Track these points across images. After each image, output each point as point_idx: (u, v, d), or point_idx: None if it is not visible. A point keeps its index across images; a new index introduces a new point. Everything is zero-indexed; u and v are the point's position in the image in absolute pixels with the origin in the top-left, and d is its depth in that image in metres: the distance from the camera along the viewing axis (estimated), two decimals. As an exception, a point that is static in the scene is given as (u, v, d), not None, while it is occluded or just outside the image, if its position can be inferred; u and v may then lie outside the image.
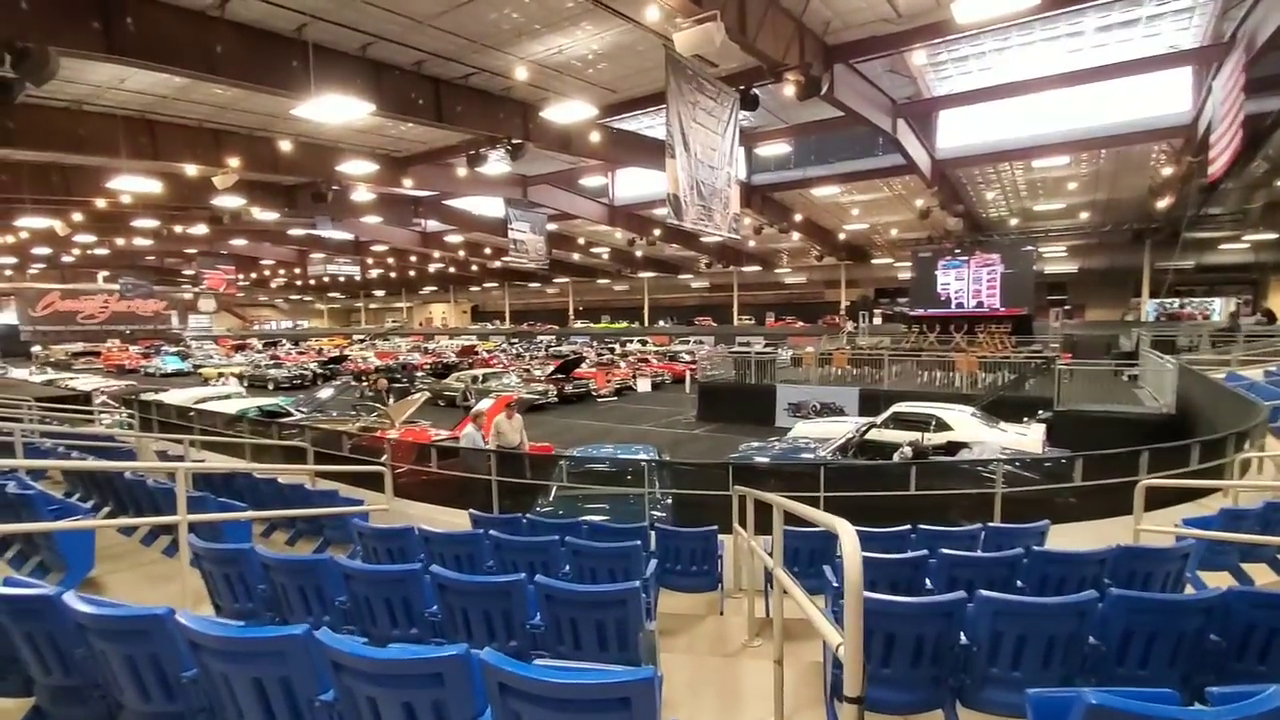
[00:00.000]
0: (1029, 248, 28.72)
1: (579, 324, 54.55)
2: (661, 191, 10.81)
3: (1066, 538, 5.31)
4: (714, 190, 11.90)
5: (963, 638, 2.69)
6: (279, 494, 6.17)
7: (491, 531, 4.13)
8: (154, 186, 17.13)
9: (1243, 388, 11.40)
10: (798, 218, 27.92)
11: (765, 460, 10.52)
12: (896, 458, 9.95)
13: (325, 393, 16.93)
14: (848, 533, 1.93)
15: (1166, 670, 2.72)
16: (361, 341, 53.37)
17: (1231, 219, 25.63)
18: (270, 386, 28.45)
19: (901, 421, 12.10)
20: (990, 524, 5.24)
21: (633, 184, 26.03)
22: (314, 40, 10.59)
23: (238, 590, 3.25)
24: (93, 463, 5.88)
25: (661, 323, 51.08)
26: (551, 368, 25.69)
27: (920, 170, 19.35)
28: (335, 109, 11.18)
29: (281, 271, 49.05)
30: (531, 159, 18.30)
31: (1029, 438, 11.41)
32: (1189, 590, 4.15)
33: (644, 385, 26.56)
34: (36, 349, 45.78)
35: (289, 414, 14.12)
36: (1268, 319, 27.67)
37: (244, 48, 10.13)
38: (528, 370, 27.51)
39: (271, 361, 34.45)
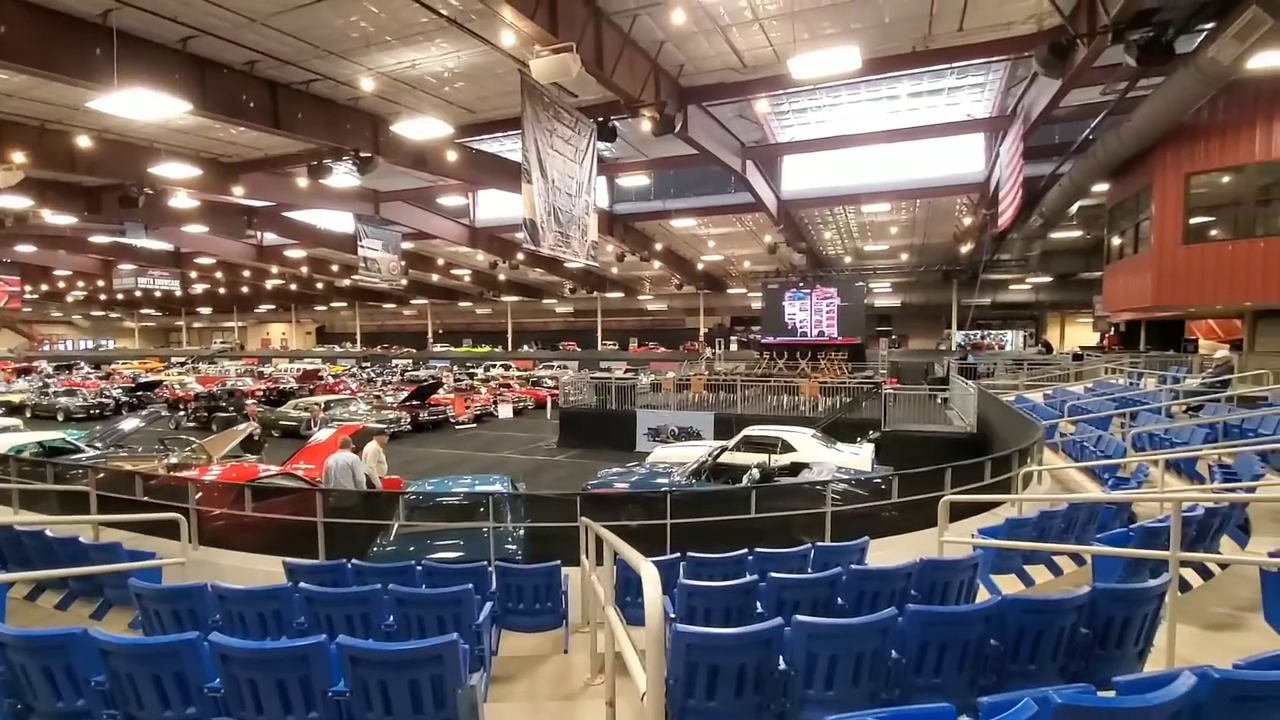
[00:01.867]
0: (861, 283, 31.90)
1: (439, 347, 52.29)
2: (522, 215, 10.68)
3: (886, 552, 5.75)
4: (572, 217, 11.94)
5: (781, 663, 2.77)
6: (46, 549, 5.17)
7: (302, 584, 3.70)
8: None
9: (1026, 409, 13.23)
10: (658, 247, 28.87)
11: (623, 487, 10.55)
12: (745, 479, 10.38)
13: (128, 424, 14.70)
14: (650, 577, 1.89)
15: (956, 676, 2.97)
16: (182, 364, 47.35)
17: (1017, 264, 30.11)
18: (60, 417, 24.33)
19: (751, 444, 12.68)
20: (820, 543, 5.56)
21: (495, 206, 25.58)
22: (122, 27, 9.36)
23: (-49, 680, 2.62)
24: None
25: (525, 347, 50.33)
26: (406, 393, 24.28)
27: (767, 209, 20.79)
28: (146, 105, 9.92)
29: (81, 284, 42.36)
30: (385, 174, 17.39)
31: (860, 457, 12.41)
32: (982, 595, 4.62)
33: (505, 411, 25.85)
34: None
35: (78, 450, 12.08)
36: (1046, 349, 32.61)
37: (35, 30, 8.80)
38: (379, 396, 25.77)
39: (63, 388, 29.49)
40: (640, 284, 41.36)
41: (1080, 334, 35.93)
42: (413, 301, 49.29)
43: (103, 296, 47.54)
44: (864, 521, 7.43)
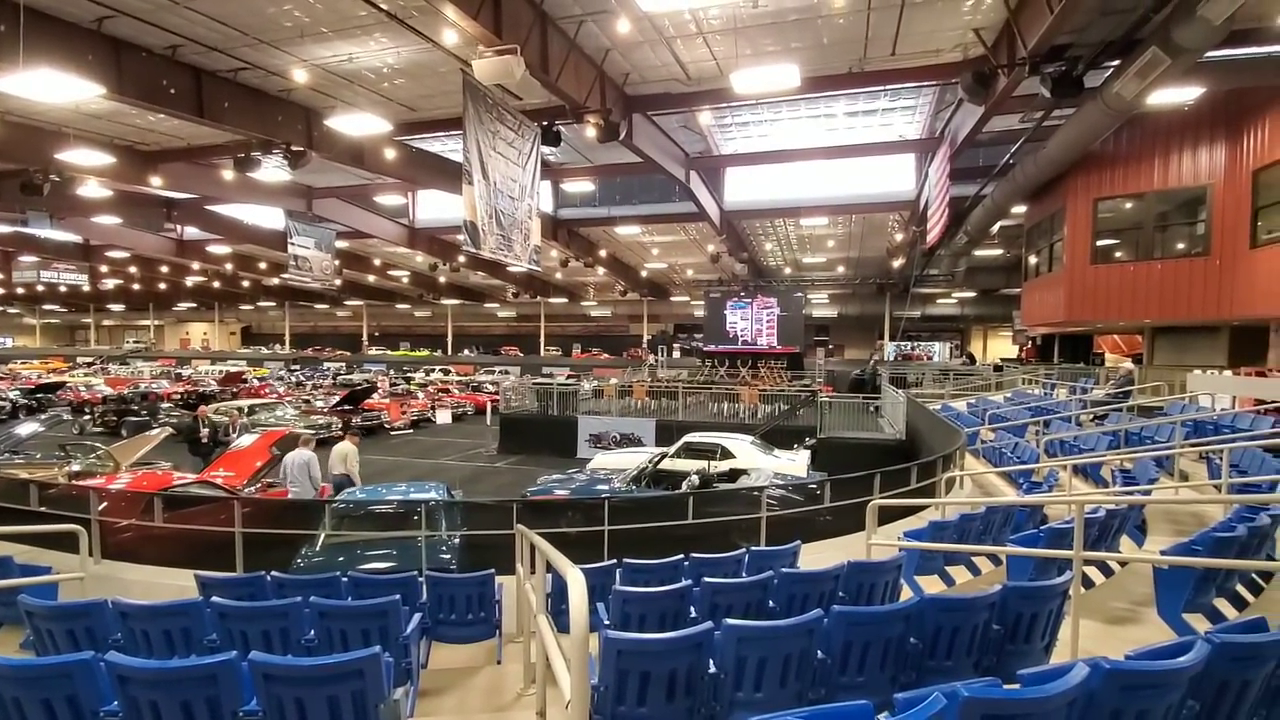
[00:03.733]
0: (799, 294, 32.79)
1: (375, 350, 50.62)
2: (463, 217, 10.48)
3: (818, 555, 5.91)
4: (514, 221, 11.81)
5: (711, 666, 2.80)
6: (-81, 566, 4.71)
7: (215, 598, 3.50)
8: None
9: (951, 417, 13.86)
10: (603, 253, 28.87)
11: (564, 494, 10.45)
12: (685, 486, 10.46)
13: (26, 429, 13.58)
14: (576, 583, 1.88)
15: (879, 674, 3.06)
16: (90, 365, 44.16)
17: (944, 279, 31.61)
18: (-55, 421, 22.24)
19: (691, 450, 12.80)
20: (754, 547, 5.66)
21: (435, 206, 25.02)
22: (29, 3, 8.69)
23: None
24: None
25: (466, 351, 49.35)
26: (338, 398, 23.39)
27: (710, 218, 21.12)
28: (54, 86, 9.18)
29: (-26, 276, 39.04)
30: (318, 169, 16.77)
31: (797, 463, 12.71)
32: (905, 595, 4.80)
33: (444, 417, 25.25)
34: None
35: (-35, 457, 11.08)
36: (970, 361, 34.30)
37: (-79, -3, 8.02)
38: (308, 401, 24.73)
39: (-50, 389, 27.01)
40: (584, 290, 41.26)
41: (1001, 346, 38.03)
42: (347, 303, 47.60)
43: (0, 290, 43.90)
44: (799, 526, 7.61)
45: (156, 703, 2.41)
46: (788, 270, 33.96)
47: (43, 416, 17.51)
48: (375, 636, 3.49)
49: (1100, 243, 14.47)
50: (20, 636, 4.42)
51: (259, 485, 9.88)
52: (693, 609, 3.72)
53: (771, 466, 12.00)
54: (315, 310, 51.42)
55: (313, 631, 3.53)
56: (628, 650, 2.56)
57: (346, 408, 21.80)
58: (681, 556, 4.83)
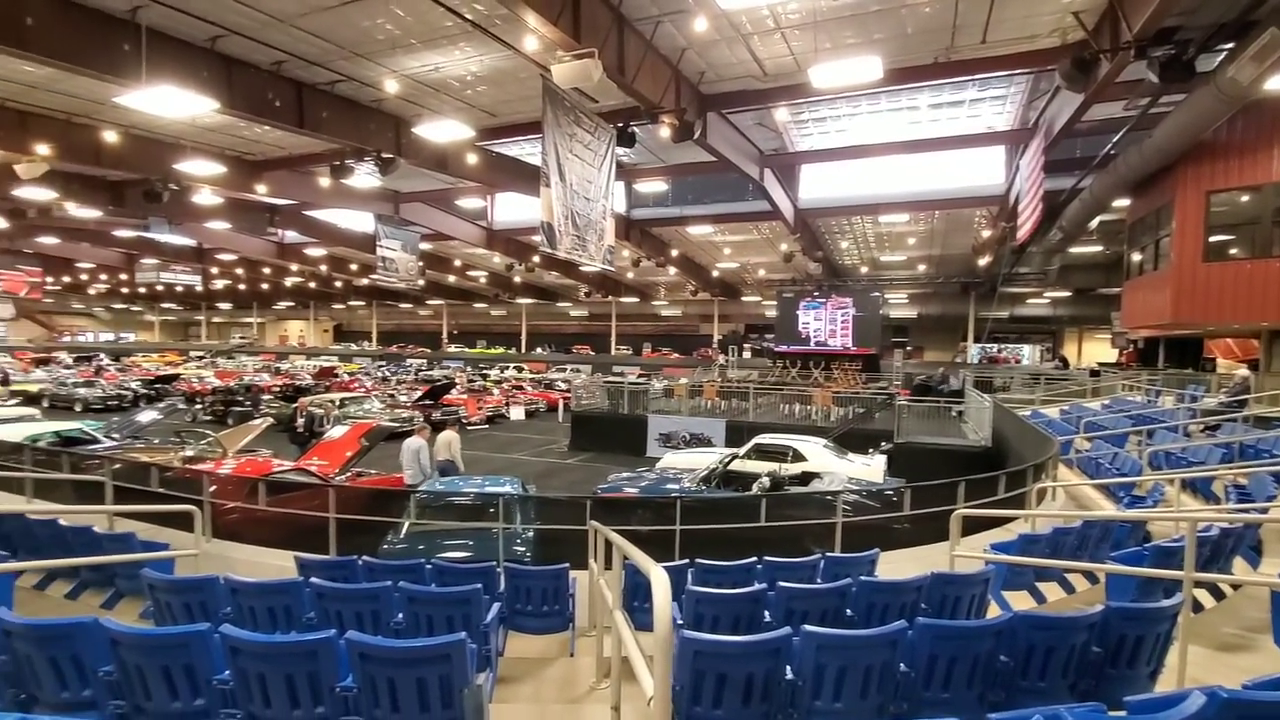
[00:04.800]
0: (877, 294, 31.70)
1: (453, 348, 52.57)
2: (540, 218, 10.75)
3: (897, 565, 5.71)
4: (589, 221, 11.99)
5: (789, 673, 2.75)
6: (59, 539, 5.25)
7: (313, 579, 3.73)
8: (-67, 169, 14.58)
9: (1042, 424, 13.07)
10: (674, 253, 28.89)
11: (633, 492, 10.54)
12: (755, 488, 10.34)
13: (145, 416, 14.90)
14: (659, 582, 1.88)
15: (966, 691, 2.93)
16: (201, 359, 47.96)
17: (1036, 278, 29.79)
18: (78, 408, 24.68)
19: (762, 452, 12.63)
20: (830, 553, 5.52)
21: (513, 208, 25.73)
22: (151, 25, 9.55)
23: (-35, 664, 2.67)
24: None
25: (539, 349, 50.48)
26: (419, 393, 24.42)
27: (784, 217, 20.75)
28: (173, 102, 10.07)
29: (104, 276, 43.17)
30: (405, 175, 17.56)
31: (873, 468, 12.31)
32: (993, 610, 4.57)
33: (518, 413, 25.92)
34: None
35: (95, 440, 12.25)
36: (1063, 365, 32.22)
37: (63, 24, 8.93)
38: (393, 395, 25.95)
39: (82, 379, 29.96)
40: (655, 289, 41.40)
41: (1098, 350, 35.50)
42: (429, 302, 49.67)
43: (124, 290, 48.41)
44: (874, 533, 7.38)
45: (263, 674, 2.60)
46: (864, 269, 32.90)
47: (160, 405, 19.17)
48: (458, 623, 3.63)
49: (1213, 239, 13.25)
50: (140, 607, 4.86)
51: (349, 474, 10.44)
52: (767, 613, 3.67)
53: (845, 471, 11.68)
54: (400, 309, 53.91)
55: (401, 615, 3.70)
56: (705, 651, 2.55)
57: (427, 402, 22.73)
58: (755, 559, 4.77)
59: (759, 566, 4.74)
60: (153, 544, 5.62)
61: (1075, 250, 24.07)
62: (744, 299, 40.83)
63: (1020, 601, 5.31)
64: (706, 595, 3.61)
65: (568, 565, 4.84)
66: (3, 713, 1.86)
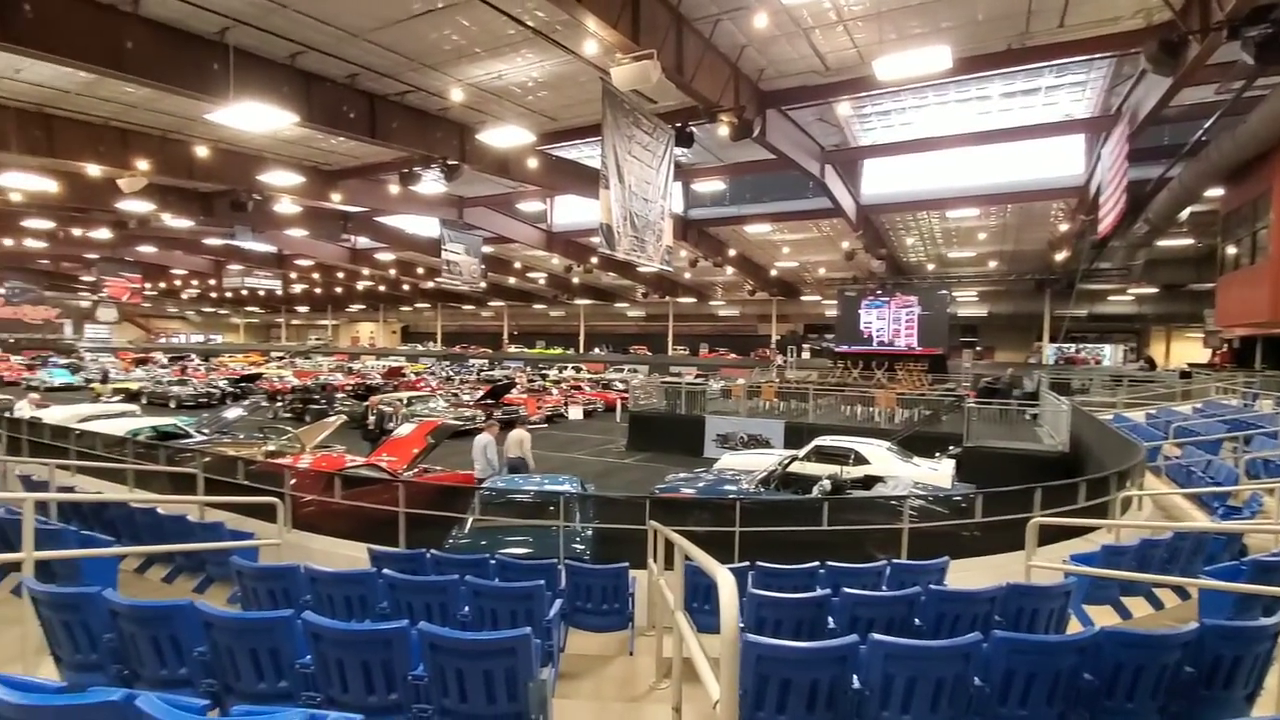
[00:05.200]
0: (944, 292, 30.53)
1: (513, 348, 53.75)
2: (599, 219, 10.85)
3: (967, 574, 5.48)
4: (647, 222, 12.03)
5: (855, 682, 2.69)
6: (157, 526, 5.66)
7: (386, 571, 3.89)
8: (49, 185, 15.92)
9: (1126, 429, 12.30)
10: (732, 252, 28.66)
11: (690, 493, 10.51)
12: (816, 491, 10.14)
13: (232, 413, 15.87)
14: (726, 584, 1.87)
15: (1045, 709, 2.79)
16: (280, 359, 50.68)
17: (1118, 274, 28.06)
18: (172, 404, 26.48)
19: (822, 455, 12.36)
20: (896, 560, 5.36)
21: (571, 211, 26.09)
22: (237, 45, 10.16)
23: (80, 640, 2.90)
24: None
25: (597, 350, 50.99)
26: (481, 392, 25.08)
27: (846, 214, 20.27)
28: (258, 117, 10.71)
29: (194, 282, 46.24)
30: (468, 180, 18.06)
31: (940, 472, 11.87)
32: (1073, 625, 4.33)
33: (576, 413, 26.27)
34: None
35: (188, 435, 13.13)
36: (1149, 366, 30.22)
37: (158, 46, 9.61)
38: (456, 394, 26.74)
39: (175, 378, 32.14)
40: (712, 289, 41.17)
41: (1188, 350, 33.14)
42: (490, 303, 50.95)
43: (213, 294, 51.72)
44: (942, 540, 7.11)
45: (342, 660, 2.73)
46: (931, 266, 31.75)
47: (245, 403, 20.38)
48: (521, 618, 3.71)
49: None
50: (228, 591, 5.18)
51: (416, 470, 10.82)
52: (831, 620, 3.60)
53: (911, 475, 11.30)
54: (463, 311, 55.50)
55: (467, 608, 3.81)
56: (768, 656, 2.53)
57: (489, 401, 23.31)
58: (817, 564, 4.68)
59: (822, 572, 4.65)
60: (239, 533, 5.98)
61: (1163, 244, 22.54)
62: (803, 298, 40.10)
63: (1103, 617, 5.02)
64: (769, 599, 3.56)
65: (627, 565, 4.87)
66: (109, 687, 2.03)
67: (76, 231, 25.97)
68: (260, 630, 2.79)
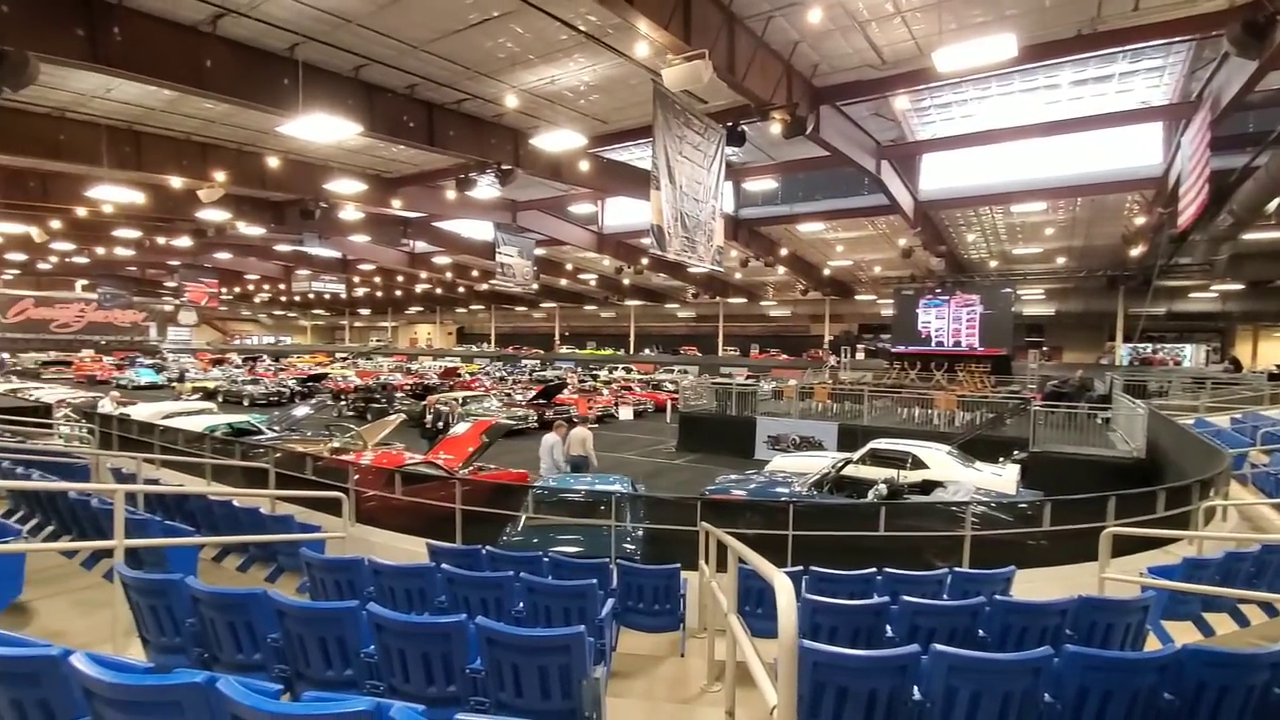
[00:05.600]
0: (1008, 290, 29.29)
1: (564, 349, 54.42)
2: (649, 220, 10.88)
3: (1034, 584, 5.26)
4: (698, 223, 11.99)
5: (916, 693, 2.61)
6: (232, 518, 5.97)
7: (444, 565, 4.00)
8: (137, 197, 17.00)
9: (1209, 434, 11.54)
10: (783, 252, 28.25)
11: (740, 494, 10.42)
12: (871, 495, 9.90)
13: (300, 411, 16.63)
14: (784, 589, 1.85)
15: (1122, 730, 2.65)
16: (344, 360, 52.78)
17: (1200, 269, 26.31)
18: (245, 403, 27.93)
19: (878, 458, 12.05)
20: (958, 568, 5.18)
21: (622, 212, 26.24)
22: (306, 60, 10.63)
23: (164, 624, 3.09)
24: (17, 482, 5.65)
25: (647, 350, 51.12)
26: (533, 392, 25.49)
27: (903, 211, 19.71)
28: (325, 128, 11.17)
29: (266, 286, 48.63)
30: (521, 184, 18.37)
31: (1004, 478, 11.41)
32: (1151, 642, 4.10)
33: (626, 413, 26.40)
34: (4, 356, 44.60)
35: (260, 432, 13.82)
36: (1234, 367, 28.27)
37: (235, 64, 10.13)
38: (509, 394, 27.26)
39: (249, 377, 33.87)
40: (763, 289, 40.68)
41: (1277, 350, 30.86)
42: (542, 305, 51.72)
43: (283, 298, 54.26)
44: (1006, 549, 6.84)
45: (404, 651, 2.82)
46: (994, 263, 30.50)
47: (312, 401, 21.30)
48: (574, 616, 3.76)
49: None
50: (297, 581, 5.43)
51: (471, 468, 11.10)
52: (889, 628, 3.51)
53: (973, 480, 10.89)
54: (516, 312, 56.54)
55: (521, 604, 3.89)
56: (825, 663, 2.48)
57: (541, 401, 23.67)
58: (874, 570, 4.57)
59: (879, 578, 4.53)
60: (307, 526, 6.26)
61: (1248, 237, 20.93)
62: (857, 298, 39.18)
63: (1182, 634, 4.73)
64: (824, 605, 3.50)
65: (679, 566, 4.87)
66: (192, 670, 2.16)
67: (160, 240, 27.68)
68: (328, 620, 2.92)
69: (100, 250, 31.22)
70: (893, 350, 31.65)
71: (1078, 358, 34.56)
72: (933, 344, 29.94)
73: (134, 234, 25.76)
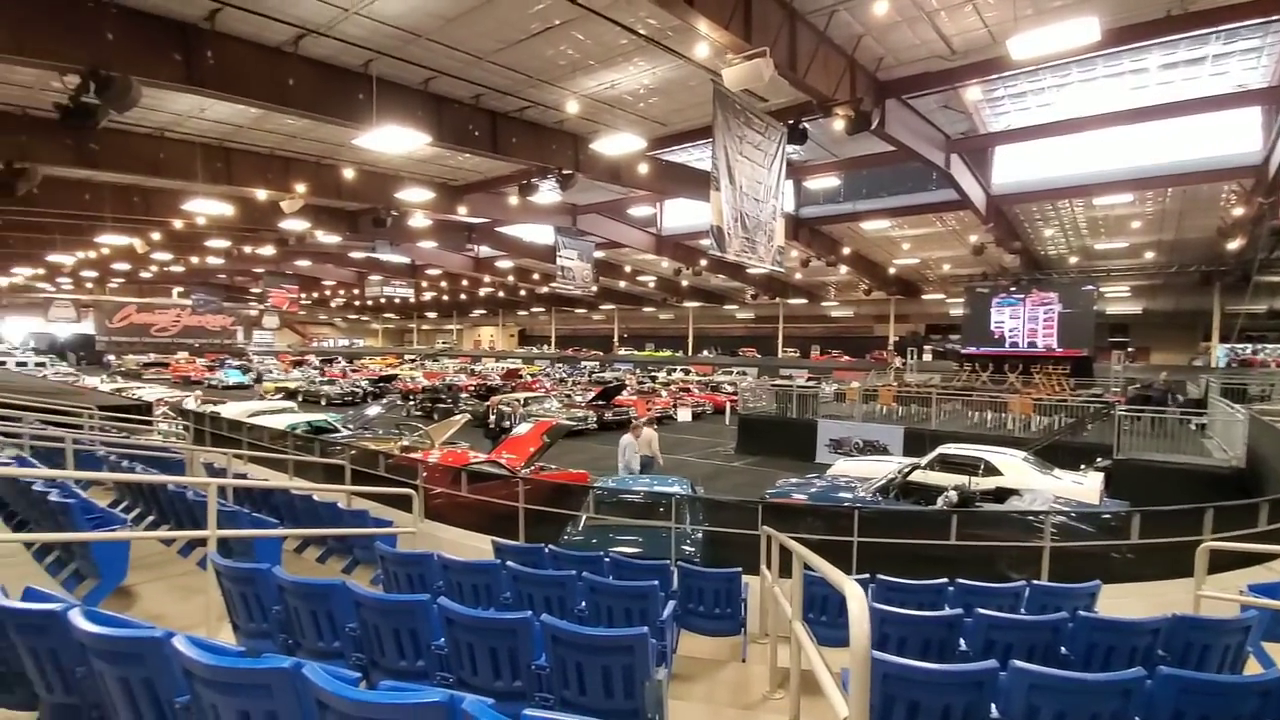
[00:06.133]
0: (1090, 287, 27.64)
1: (623, 350, 54.80)
2: (709, 221, 10.83)
3: (1121, 601, 4.96)
4: (758, 223, 11.84)
5: (994, 711, 2.50)
6: (313, 512, 6.29)
7: (509, 563, 4.10)
8: (227, 209, 18.16)
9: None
10: (846, 251, 27.59)
11: (801, 498, 10.24)
12: (941, 502, 9.54)
13: (372, 410, 17.38)
14: (856, 598, 1.80)
15: (1222, 761, 2.46)
16: (412, 361, 54.81)
17: (1310, 263, 24.11)
18: (323, 402, 29.37)
19: (948, 463, 11.60)
20: (1036, 581, 4.94)
21: (680, 214, 26.24)
22: (379, 75, 11.10)
23: (253, 610, 3.29)
24: (123, 475, 6.11)
25: (705, 352, 50.87)
26: (593, 394, 25.78)
27: (974, 206, 18.92)
28: (396, 139, 11.65)
29: (341, 292, 51.07)
30: (581, 188, 18.62)
31: (1085, 487, 10.78)
32: (1251, 665, 3.79)
33: (684, 415, 26.36)
34: (110, 358, 48.56)
35: (337, 430, 14.51)
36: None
37: (314, 81, 10.68)
38: (569, 395, 27.65)
39: (325, 378, 35.63)
40: (824, 290, 39.83)
41: None
42: (601, 307, 52.26)
43: (356, 302, 56.82)
44: (1088, 562, 6.48)
45: (472, 645, 2.90)
46: (1073, 259, 28.84)
47: (383, 401, 22.21)
48: (636, 616, 3.77)
49: None
50: (370, 574, 5.67)
51: (533, 467, 11.32)
52: (963, 641, 3.37)
53: (1051, 488, 10.34)
54: (575, 314, 57.35)
55: (584, 603, 3.94)
56: (896, 675, 2.41)
57: (600, 403, 23.91)
58: (945, 580, 4.40)
59: (950, 589, 4.36)
60: (380, 520, 6.52)
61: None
62: (924, 297, 37.84)
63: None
64: (893, 615, 3.40)
65: (740, 570, 4.82)
66: (280, 655, 2.29)
67: (247, 249, 29.46)
68: (402, 612, 3.03)
69: (194, 259, 33.50)
70: (963, 351, 30.36)
71: (1167, 359, 32.30)
72: (1006, 345, 28.55)
73: (224, 243, 27.54)
